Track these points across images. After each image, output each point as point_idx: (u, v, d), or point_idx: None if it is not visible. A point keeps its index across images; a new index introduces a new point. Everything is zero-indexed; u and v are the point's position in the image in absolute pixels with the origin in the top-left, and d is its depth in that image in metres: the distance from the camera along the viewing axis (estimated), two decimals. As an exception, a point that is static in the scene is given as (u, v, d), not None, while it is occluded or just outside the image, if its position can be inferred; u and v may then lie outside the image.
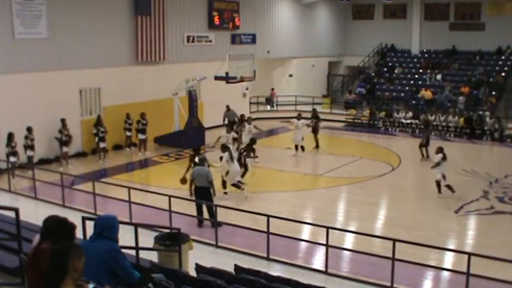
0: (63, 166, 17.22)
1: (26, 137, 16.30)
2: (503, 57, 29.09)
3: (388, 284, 8.72)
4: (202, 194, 12.19)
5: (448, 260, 10.24)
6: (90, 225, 5.28)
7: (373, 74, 31.27)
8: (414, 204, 14.66)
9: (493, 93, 26.43)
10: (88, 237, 5.25)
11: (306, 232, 11.58)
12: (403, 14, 32.29)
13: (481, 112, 24.91)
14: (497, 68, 28.50)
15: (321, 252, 9.99)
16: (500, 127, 23.51)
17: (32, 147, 16.41)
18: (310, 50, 31.03)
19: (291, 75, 31.06)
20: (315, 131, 20.76)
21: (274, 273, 7.75)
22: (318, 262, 9.94)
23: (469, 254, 8.51)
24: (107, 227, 4.87)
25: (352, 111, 28.12)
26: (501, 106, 25.97)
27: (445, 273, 9.59)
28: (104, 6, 19.67)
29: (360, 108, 28.48)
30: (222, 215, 11.32)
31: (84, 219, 7.35)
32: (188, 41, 23.63)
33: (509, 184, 15.96)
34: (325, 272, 9.40)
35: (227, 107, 22.62)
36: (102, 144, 18.51)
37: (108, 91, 19.98)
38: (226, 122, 21.99)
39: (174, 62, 22.57)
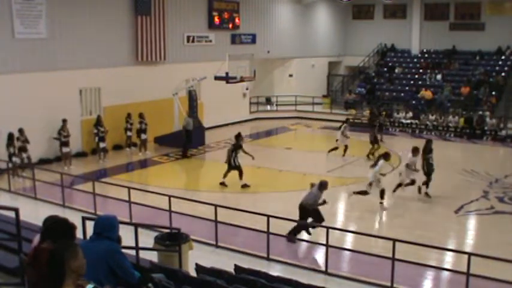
0: (67, 166, 17.19)
1: (17, 139, 15.96)
2: (503, 57, 29.08)
3: (388, 284, 8.72)
4: None
5: (448, 260, 10.24)
6: (90, 225, 5.27)
7: (373, 74, 31.26)
8: (414, 204, 14.64)
9: (493, 93, 26.43)
10: (88, 237, 5.25)
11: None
12: (403, 14, 32.28)
13: (481, 112, 24.92)
14: (497, 68, 28.49)
15: (321, 252, 9.99)
16: (505, 127, 23.46)
17: (24, 149, 15.99)
18: (310, 50, 31.02)
19: (291, 75, 31.02)
20: None
21: (274, 273, 7.76)
22: (318, 262, 9.93)
23: (469, 254, 8.51)
24: (106, 227, 4.86)
25: (352, 111, 28.10)
26: (501, 106, 25.98)
27: (445, 273, 9.59)
28: (104, 6, 19.64)
29: (360, 108, 28.47)
30: (222, 215, 11.31)
31: (84, 219, 7.36)
32: (188, 41, 23.62)
33: (509, 184, 15.96)
34: (325, 272, 9.40)
35: (188, 113, 20.18)
36: (102, 144, 18.50)
37: (108, 91, 19.97)
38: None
39: (174, 62, 22.55)
